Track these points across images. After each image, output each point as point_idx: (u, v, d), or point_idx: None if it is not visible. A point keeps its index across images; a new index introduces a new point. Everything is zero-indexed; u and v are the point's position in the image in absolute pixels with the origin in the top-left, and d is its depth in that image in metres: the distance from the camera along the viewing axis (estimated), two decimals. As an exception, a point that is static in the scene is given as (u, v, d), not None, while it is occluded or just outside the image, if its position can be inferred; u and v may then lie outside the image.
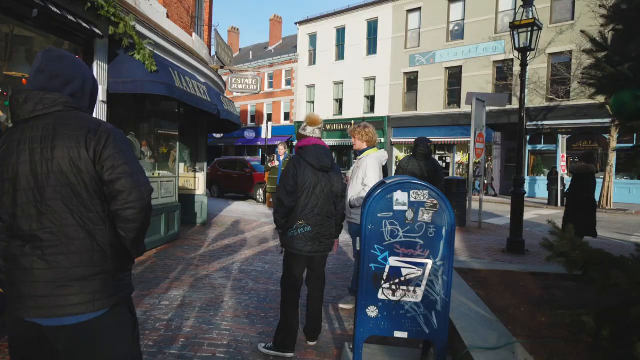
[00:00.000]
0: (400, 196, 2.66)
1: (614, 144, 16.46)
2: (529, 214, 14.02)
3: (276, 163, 9.02)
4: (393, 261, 2.67)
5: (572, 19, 20.15)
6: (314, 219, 3.07)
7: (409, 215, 2.65)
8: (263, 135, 16.74)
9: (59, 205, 1.41)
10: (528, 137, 21.43)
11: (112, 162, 1.44)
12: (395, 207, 2.67)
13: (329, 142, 28.28)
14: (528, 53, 7.28)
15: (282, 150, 8.87)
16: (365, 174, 3.91)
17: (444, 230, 2.64)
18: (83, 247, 1.42)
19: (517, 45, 7.30)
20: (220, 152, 34.47)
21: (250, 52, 36.81)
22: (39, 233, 1.41)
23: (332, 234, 3.22)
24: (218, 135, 27.38)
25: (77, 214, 1.42)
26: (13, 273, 1.43)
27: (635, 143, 18.97)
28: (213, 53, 9.19)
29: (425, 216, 2.65)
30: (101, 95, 4.69)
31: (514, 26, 7.28)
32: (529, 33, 7.13)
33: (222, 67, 8.86)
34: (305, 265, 3.21)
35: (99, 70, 4.67)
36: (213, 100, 6.87)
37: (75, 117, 1.47)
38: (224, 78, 10.02)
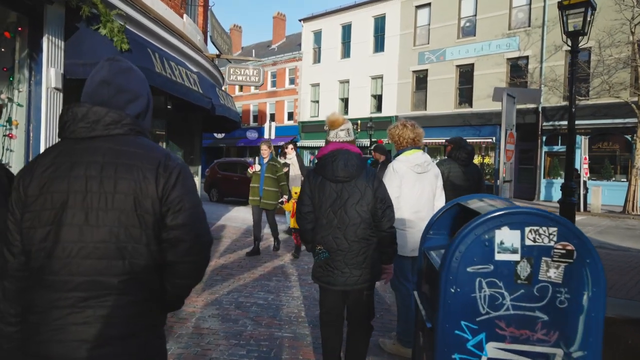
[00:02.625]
0: (507, 236, 1.54)
1: (640, 145, 15.31)
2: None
3: (257, 167, 6.69)
4: (494, 350, 1.56)
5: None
6: (333, 242, 2.50)
7: (523, 269, 1.54)
8: (266, 136, 15.67)
9: (110, 250, 1.19)
10: (544, 138, 20.40)
11: (179, 204, 1.24)
12: (499, 256, 1.56)
13: (334, 143, 27.21)
14: (580, 38, 6.14)
15: (265, 151, 6.58)
16: None
17: (584, 298, 1.53)
18: (128, 301, 1.20)
19: (566, 29, 6.15)
20: (221, 153, 33.39)
21: (253, 51, 35.87)
22: (78, 279, 1.18)
23: (369, 262, 2.52)
24: (219, 136, 26.30)
25: (129, 261, 1.20)
26: (35, 327, 1.18)
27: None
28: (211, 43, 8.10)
29: (552, 272, 1.54)
30: (53, 80, 3.57)
31: (563, 6, 6.15)
32: (582, 14, 5.98)
33: (218, 56, 7.72)
34: (337, 300, 2.64)
35: (51, 48, 3.55)
36: (206, 93, 5.77)
37: (142, 145, 1.27)
38: (222, 70, 8.90)
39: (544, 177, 20.75)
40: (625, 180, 18.42)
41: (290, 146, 8.17)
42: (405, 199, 3.14)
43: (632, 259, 7.15)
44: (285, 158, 8.09)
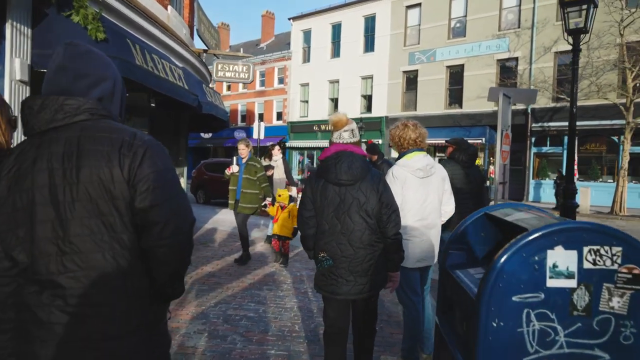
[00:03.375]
0: (561, 258, 1.26)
1: (628, 145, 15.36)
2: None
3: (234, 168, 6.09)
4: (546, 397, 1.26)
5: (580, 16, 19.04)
6: (336, 249, 2.37)
7: (581, 298, 1.26)
8: (255, 136, 15.30)
9: (86, 243, 1.14)
10: (533, 139, 20.42)
11: (146, 183, 1.16)
12: (551, 282, 1.28)
13: (323, 143, 26.95)
14: (582, 36, 5.94)
15: (243, 150, 5.98)
16: None
17: (656, 333, 1.23)
18: (116, 296, 1.15)
19: (567, 27, 5.94)
20: (208, 154, 32.82)
21: (241, 49, 35.38)
22: (60, 278, 1.13)
23: (375, 269, 2.40)
24: (206, 136, 25.79)
25: (109, 253, 1.15)
26: (25, 328, 1.14)
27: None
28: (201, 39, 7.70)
29: (616, 301, 1.27)
30: (18, 71, 3.19)
31: (564, 3, 5.94)
32: (584, 11, 5.78)
33: (205, 52, 7.35)
34: (342, 311, 2.49)
35: (16, 36, 3.16)
36: (192, 89, 5.41)
37: (104, 128, 1.20)
38: (210, 69, 8.53)
39: (532, 178, 20.80)
40: (611, 181, 18.51)
41: (277, 147, 7.71)
42: (408, 206, 2.89)
43: None
44: (270, 160, 7.68)
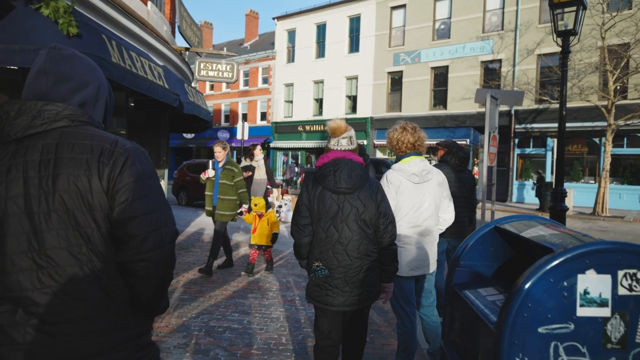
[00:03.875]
0: (594, 283, 1.10)
1: (609, 147, 15.58)
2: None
3: (210, 173, 5.56)
4: None
5: (562, 19, 19.29)
6: (333, 259, 2.31)
7: (615, 329, 1.10)
8: (238, 136, 14.99)
9: (63, 256, 1.07)
10: (516, 141, 20.61)
11: (126, 194, 1.10)
12: (582, 311, 1.13)
13: (308, 144, 26.77)
14: (571, 39, 5.89)
15: (219, 153, 5.52)
16: None
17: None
18: (96, 311, 1.08)
19: (557, 28, 5.88)
20: (190, 154, 32.33)
21: (225, 49, 34.92)
22: (35, 294, 1.06)
23: (371, 280, 2.37)
24: (188, 136, 25.34)
25: (88, 266, 1.08)
26: (1, 353, 1.06)
27: (625, 148, 18.40)
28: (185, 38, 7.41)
29: (655, 332, 1.08)
30: (-19, 68, 2.94)
31: (554, 5, 5.88)
32: (574, 13, 5.73)
33: (187, 50, 7.09)
34: (336, 322, 2.45)
35: (-22, 29, 2.90)
36: (173, 89, 5.17)
37: (84, 135, 1.14)
38: (193, 68, 8.25)
39: (516, 179, 20.99)
40: (593, 182, 18.78)
41: (259, 147, 7.41)
42: (402, 212, 2.80)
43: None
44: (251, 160, 7.36)
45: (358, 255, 2.30)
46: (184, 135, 28.18)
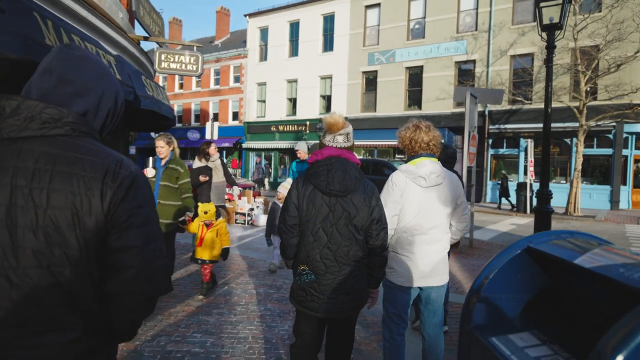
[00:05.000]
0: None
1: (581, 147, 15.73)
2: (504, 224, 12.99)
3: (150, 173, 4.63)
4: None
5: (534, 20, 19.49)
6: (320, 264, 2.21)
7: None
8: (207, 136, 14.32)
9: (42, 277, 0.98)
10: (490, 141, 20.70)
11: (128, 221, 1.04)
12: None
13: (281, 144, 26.24)
14: (556, 33, 5.63)
15: (162, 149, 4.60)
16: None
17: None
18: (71, 338, 1.02)
19: (542, 22, 5.61)
20: (160, 155, 31.21)
21: (195, 47, 33.99)
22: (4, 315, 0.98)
23: (359, 288, 2.29)
24: (156, 136, 24.44)
25: (68, 292, 1.00)
26: None
27: (596, 148, 18.73)
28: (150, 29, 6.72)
29: None
30: None
31: (539, -2, 5.59)
32: (560, 7, 5.47)
33: (146, 39, 6.46)
34: (317, 327, 2.36)
35: None
36: (127, 80, 4.58)
37: (88, 149, 1.06)
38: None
39: (489, 179, 21.08)
40: (564, 182, 19.02)
41: (214, 146, 6.37)
42: (407, 218, 2.57)
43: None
44: (207, 161, 6.37)
45: (347, 261, 2.20)
46: (152, 135, 27.14)
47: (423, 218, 2.55)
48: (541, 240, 1.19)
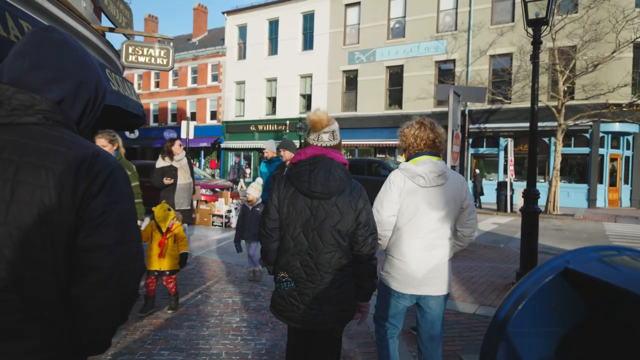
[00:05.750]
0: None
1: (560, 147, 15.86)
2: (486, 224, 12.97)
3: None
4: None
5: (512, 20, 19.64)
6: (300, 271, 2.06)
7: None
8: (183, 135, 13.82)
9: (1, 279, 0.90)
10: (470, 140, 20.74)
11: (100, 217, 0.95)
12: None
13: (261, 144, 25.80)
14: (543, 28, 5.45)
15: (105, 148, 4.08)
16: None
17: None
18: (31, 347, 0.93)
19: (528, 17, 5.43)
20: (135, 155, 30.31)
21: (171, 44, 33.22)
22: None
23: (344, 298, 2.11)
24: (132, 136, 23.55)
25: (28, 294, 0.91)
26: None
27: (573, 147, 18.96)
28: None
29: None
30: None
31: (525, -9, 5.40)
32: (546, 1, 5.29)
33: (112, 30, 6.01)
34: (301, 339, 2.23)
35: None
36: (89, 73, 4.16)
37: (61, 140, 0.97)
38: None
39: (470, 179, 21.13)
40: (542, 181, 19.19)
41: (178, 142, 5.72)
42: (404, 219, 2.44)
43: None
44: (171, 160, 5.72)
45: (329, 269, 2.07)
46: (127, 135, 26.32)
47: (421, 220, 2.40)
48: (581, 259, 0.92)
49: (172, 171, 5.63)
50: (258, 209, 5.50)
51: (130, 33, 6.32)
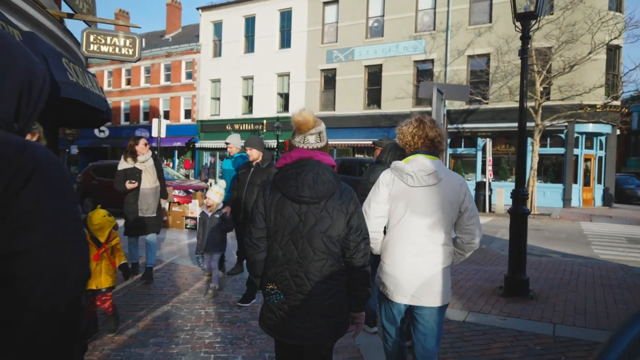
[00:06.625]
0: None
1: (537, 147, 15.96)
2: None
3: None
4: None
5: (490, 21, 19.75)
6: (290, 282, 1.95)
7: None
8: (154, 134, 13.20)
9: None
10: (449, 141, 20.77)
11: (20, 219, 0.82)
12: None
13: (238, 144, 25.27)
14: (532, 22, 5.26)
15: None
16: None
17: None
18: None
19: (516, 11, 5.22)
20: (105, 155, 29.23)
21: (143, 40, 32.25)
22: None
23: (337, 310, 1.98)
24: (101, 134, 22.68)
25: None
26: None
27: (549, 147, 19.18)
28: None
29: None
30: None
31: (514, -17, 5.19)
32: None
33: (70, 16, 5.48)
34: (292, 355, 2.09)
35: None
36: (41, 62, 3.70)
37: None
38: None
39: (448, 179, 21.19)
40: (520, 181, 19.33)
41: (143, 142, 5.22)
42: (393, 221, 2.32)
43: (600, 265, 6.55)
44: (134, 161, 5.21)
45: (320, 278, 1.96)
46: (97, 133, 25.30)
47: (411, 224, 2.25)
48: None
49: (135, 174, 5.11)
50: (217, 215, 4.87)
51: (92, 20, 5.74)
